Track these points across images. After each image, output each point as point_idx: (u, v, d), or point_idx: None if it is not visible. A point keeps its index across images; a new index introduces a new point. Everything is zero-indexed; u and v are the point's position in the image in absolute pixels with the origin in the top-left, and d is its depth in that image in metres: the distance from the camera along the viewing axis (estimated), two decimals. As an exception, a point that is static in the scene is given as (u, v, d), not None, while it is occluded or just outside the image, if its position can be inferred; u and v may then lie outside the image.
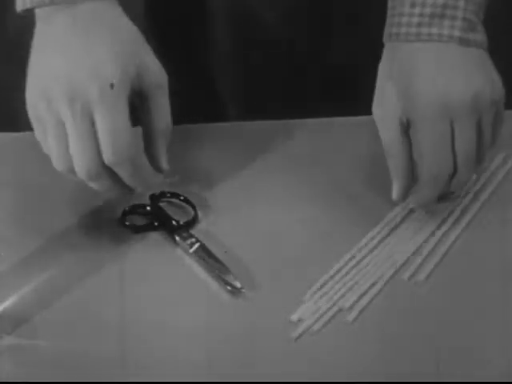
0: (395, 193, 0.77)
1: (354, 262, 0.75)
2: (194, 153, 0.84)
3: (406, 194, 0.77)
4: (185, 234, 0.76)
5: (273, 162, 0.84)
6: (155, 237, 0.77)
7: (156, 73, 0.73)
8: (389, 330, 0.70)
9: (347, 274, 0.74)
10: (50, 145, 0.71)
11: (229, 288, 0.72)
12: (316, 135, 0.87)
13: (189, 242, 0.76)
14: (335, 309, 0.71)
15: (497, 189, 0.82)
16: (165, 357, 0.68)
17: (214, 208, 0.80)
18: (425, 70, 0.74)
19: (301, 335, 0.69)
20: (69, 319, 0.70)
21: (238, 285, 0.72)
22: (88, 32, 0.71)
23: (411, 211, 0.79)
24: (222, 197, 0.81)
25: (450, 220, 0.79)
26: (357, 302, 0.71)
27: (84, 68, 0.70)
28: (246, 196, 0.81)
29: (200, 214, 0.79)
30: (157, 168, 0.75)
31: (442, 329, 0.70)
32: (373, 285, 0.73)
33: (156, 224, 0.77)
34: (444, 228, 0.78)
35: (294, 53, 0.94)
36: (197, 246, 0.75)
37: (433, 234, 0.77)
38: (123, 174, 0.71)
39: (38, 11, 0.73)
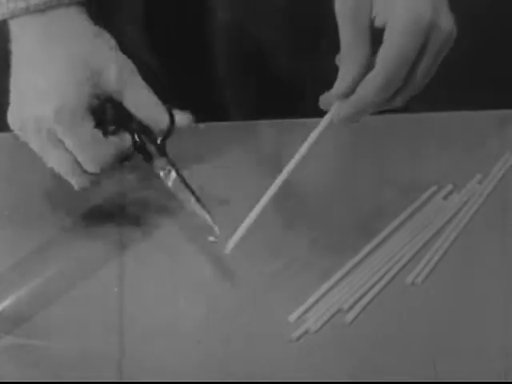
0: (343, 86, 0.71)
1: (353, 263, 0.75)
2: (193, 153, 0.84)
3: (351, 90, 0.71)
4: (162, 163, 0.76)
5: (272, 162, 0.84)
6: (157, 235, 0.77)
7: (112, 74, 0.74)
8: (387, 331, 0.70)
9: (346, 275, 0.74)
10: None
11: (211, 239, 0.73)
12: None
13: (166, 170, 0.76)
14: (334, 309, 0.71)
15: (496, 189, 0.82)
16: (164, 357, 0.68)
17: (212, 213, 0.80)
18: None
19: (301, 336, 0.69)
20: (68, 319, 0.70)
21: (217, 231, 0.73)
22: (48, 49, 0.73)
23: (411, 214, 0.80)
24: (221, 197, 0.81)
25: (449, 221, 0.79)
26: (356, 302, 0.71)
27: (40, 93, 0.72)
28: (245, 196, 0.80)
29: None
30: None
31: (441, 329, 0.70)
32: (372, 286, 0.73)
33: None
34: (443, 229, 0.78)
35: (294, 53, 0.94)
36: (174, 173, 0.75)
37: (432, 235, 0.77)
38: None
39: (11, 24, 0.74)
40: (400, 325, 0.70)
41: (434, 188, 0.82)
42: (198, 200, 0.74)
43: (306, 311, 0.71)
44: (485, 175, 0.83)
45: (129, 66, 0.75)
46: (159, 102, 0.76)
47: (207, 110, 0.94)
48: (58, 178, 0.75)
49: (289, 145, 0.86)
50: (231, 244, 0.70)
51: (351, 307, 0.71)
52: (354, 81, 0.71)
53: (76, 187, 0.74)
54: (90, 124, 0.73)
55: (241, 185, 0.82)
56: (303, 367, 0.67)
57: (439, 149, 0.86)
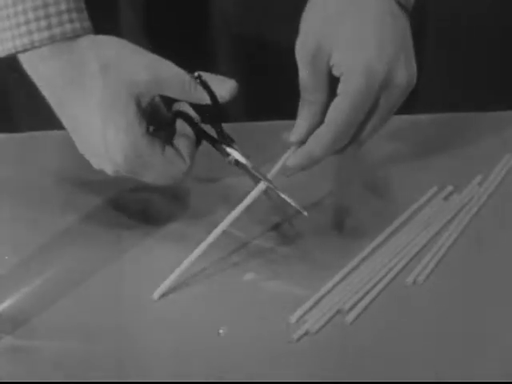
0: (296, 134, 0.73)
1: (354, 263, 0.75)
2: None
3: (305, 137, 0.73)
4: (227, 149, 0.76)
5: (272, 162, 0.84)
6: (157, 235, 0.77)
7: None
8: (388, 331, 0.70)
9: (347, 275, 0.74)
10: None
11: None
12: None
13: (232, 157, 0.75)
14: (334, 310, 0.71)
15: (496, 190, 0.82)
16: (164, 357, 0.68)
17: (212, 208, 0.80)
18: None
19: (301, 337, 0.69)
20: (68, 320, 0.70)
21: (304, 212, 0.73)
22: (80, 85, 0.71)
23: (412, 215, 0.80)
24: (222, 198, 0.81)
25: (450, 221, 0.79)
26: (356, 303, 0.71)
27: (96, 152, 0.72)
28: (245, 196, 0.81)
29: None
30: None
31: (442, 329, 0.70)
32: (372, 287, 0.73)
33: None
34: (444, 229, 0.78)
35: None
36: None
37: (432, 235, 0.77)
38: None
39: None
40: (401, 325, 0.70)
41: (434, 189, 0.82)
42: (271, 184, 0.74)
43: (307, 312, 0.71)
44: (485, 176, 0.83)
45: (149, 56, 0.73)
46: (193, 81, 0.73)
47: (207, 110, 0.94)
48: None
49: (289, 145, 0.86)
50: (158, 292, 0.71)
51: (352, 308, 0.71)
52: (308, 131, 0.73)
53: None
54: (157, 148, 0.72)
55: (241, 184, 0.82)
56: (303, 368, 0.67)
57: (440, 150, 0.86)
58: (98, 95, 0.70)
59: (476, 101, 0.90)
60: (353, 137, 0.72)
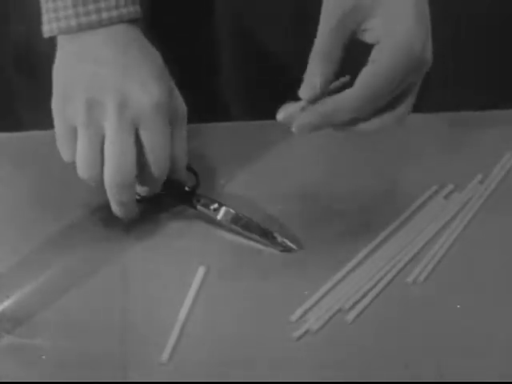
0: (310, 89, 0.67)
1: (354, 263, 0.75)
2: (196, 152, 0.84)
3: (318, 96, 0.67)
4: (205, 200, 0.78)
5: (274, 161, 0.84)
6: (160, 235, 0.78)
7: (182, 102, 0.76)
8: (389, 330, 0.70)
9: (347, 274, 0.74)
10: (79, 151, 0.72)
11: (281, 249, 0.75)
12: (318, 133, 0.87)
13: (212, 207, 0.78)
14: (335, 309, 0.71)
15: (497, 188, 0.82)
16: (164, 357, 0.68)
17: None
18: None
19: (302, 335, 0.69)
20: (69, 319, 0.70)
21: (289, 243, 0.75)
22: (127, 50, 0.73)
23: (412, 214, 0.80)
24: (224, 198, 0.81)
25: (451, 220, 0.79)
26: (357, 302, 0.71)
27: (135, 81, 0.71)
28: (247, 195, 0.81)
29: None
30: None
31: (442, 329, 0.70)
32: (373, 286, 0.73)
33: (163, 192, 0.77)
34: (444, 228, 0.78)
35: (298, 52, 0.94)
36: (223, 210, 0.77)
37: (433, 234, 0.77)
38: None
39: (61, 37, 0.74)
40: (401, 324, 0.70)
41: (434, 187, 0.82)
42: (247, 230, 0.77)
43: (307, 311, 0.71)
44: (486, 175, 0.83)
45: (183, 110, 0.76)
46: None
47: (208, 109, 0.94)
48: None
49: (289, 144, 0.86)
50: (165, 356, 0.68)
51: (352, 307, 0.71)
52: (322, 86, 0.67)
53: (112, 181, 0.72)
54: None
55: (240, 184, 0.82)
56: (304, 367, 0.67)
57: (440, 148, 0.86)
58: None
59: (476, 99, 0.90)
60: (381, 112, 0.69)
